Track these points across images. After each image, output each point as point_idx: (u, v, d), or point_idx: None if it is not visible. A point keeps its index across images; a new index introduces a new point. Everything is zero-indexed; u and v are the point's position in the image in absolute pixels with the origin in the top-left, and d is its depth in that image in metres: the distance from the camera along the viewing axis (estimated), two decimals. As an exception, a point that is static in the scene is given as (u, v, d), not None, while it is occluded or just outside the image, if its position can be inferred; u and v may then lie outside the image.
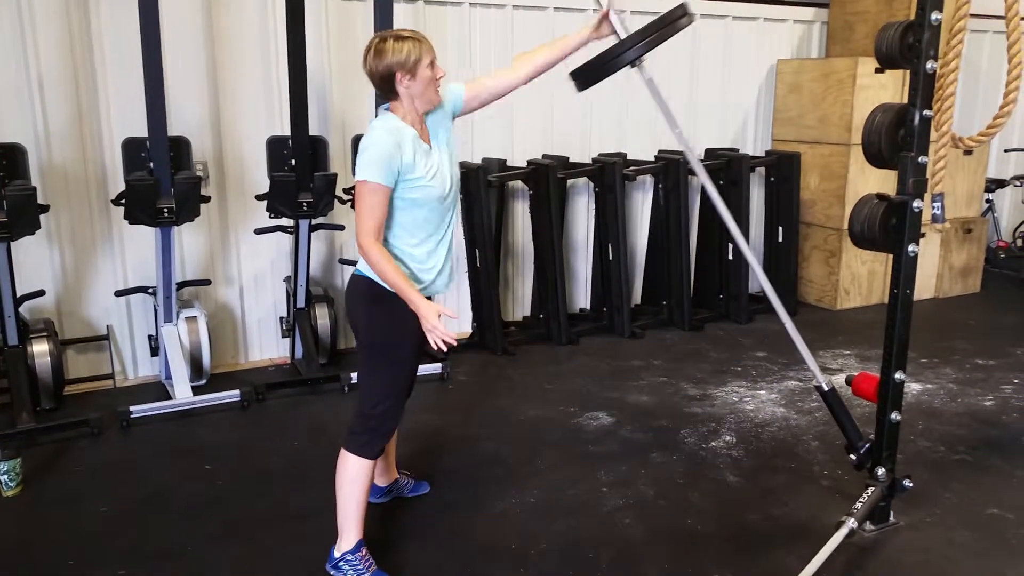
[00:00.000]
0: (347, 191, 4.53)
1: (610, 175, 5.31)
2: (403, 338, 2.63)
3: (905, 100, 2.82)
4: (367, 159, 2.44)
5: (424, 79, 2.51)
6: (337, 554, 2.73)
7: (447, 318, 2.61)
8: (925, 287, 6.40)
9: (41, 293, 4.16)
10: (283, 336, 4.95)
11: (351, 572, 2.70)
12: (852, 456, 3.11)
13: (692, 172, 5.70)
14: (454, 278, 2.93)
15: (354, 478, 2.70)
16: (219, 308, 4.81)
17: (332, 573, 2.74)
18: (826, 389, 3.14)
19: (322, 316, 4.74)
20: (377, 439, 2.70)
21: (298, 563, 2.86)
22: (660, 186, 5.62)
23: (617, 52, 2.58)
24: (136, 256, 4.50)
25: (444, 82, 2.63)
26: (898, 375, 2.99)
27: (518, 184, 5.42)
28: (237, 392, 4.24)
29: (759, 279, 3.16)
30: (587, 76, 2.67)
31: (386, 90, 2.53)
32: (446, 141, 2.67)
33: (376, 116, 2.60)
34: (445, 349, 2.51)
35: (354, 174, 2.50)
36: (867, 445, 3.08)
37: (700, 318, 5.73)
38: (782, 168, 5.95)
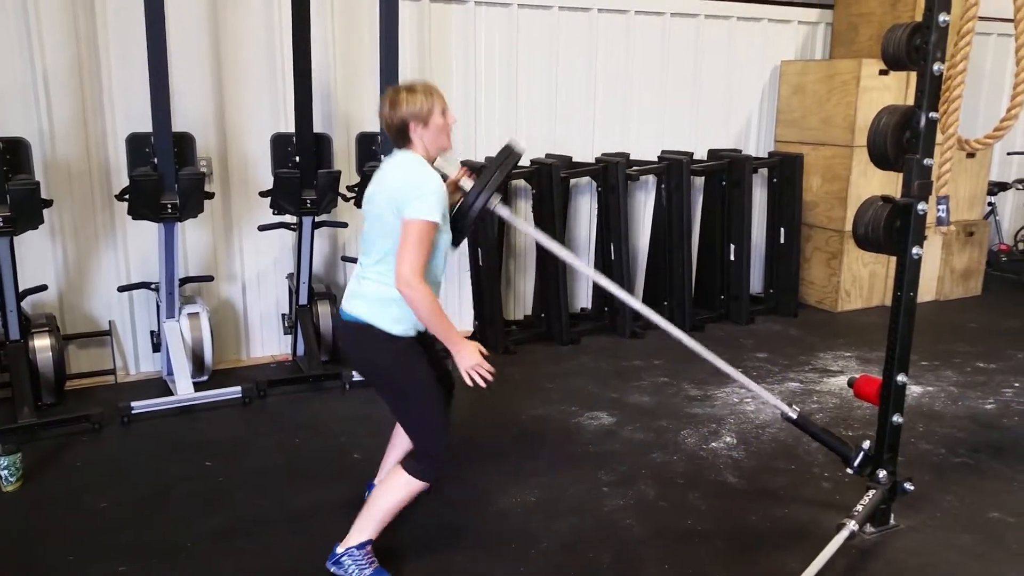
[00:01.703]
0: (350, 188, 4.53)
1: (613, 175, 5.31)
2: (417, 367, 2.66)
3: (909, 102, 2.81)
4: (428, 199, 2.49)
5: (436, 127, 2.64)
6: (341, 549, 2.72)
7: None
8: (926, 290, 6.40)
9: (43, 288, 4.16)
10: (285, 333, 4.95)
11: (353, 567, 2.70)
12: (849, 470, 3.10)
13: (695, 172, 5.71)
14: None
15: (400, 491, 2.69)
16: (221, 304, 4.81)
17: (333, 569, 2.73)
18: (795, 417, 3.14)
19: (324, 313, 4.74)
20: (437, 466, 2.70)
21: (299, 560, 2.85)
22: (663, 186, 5.62)
23: (467, 207, 2.74)
24: (139, 252, 4.50)
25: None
26: (900, 378, 2.99)
27: (521, 183, 5.41)
28: (239, 389, 4.24)
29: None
30: (456, 235, 2.79)
31: (400, 139, 2.65)
32: None
33: (393, 154, 2.69)
34: (484, 385, 2.59)
35: (405, 211, 2.50)
36: (862, 454, 3.07)
37: (701, 318, 5.73)
38: (785, 169, 5.95)
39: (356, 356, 2.74)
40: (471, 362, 2.58)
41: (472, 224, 2.77)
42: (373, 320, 2.61)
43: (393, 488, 2.69)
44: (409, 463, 2.69)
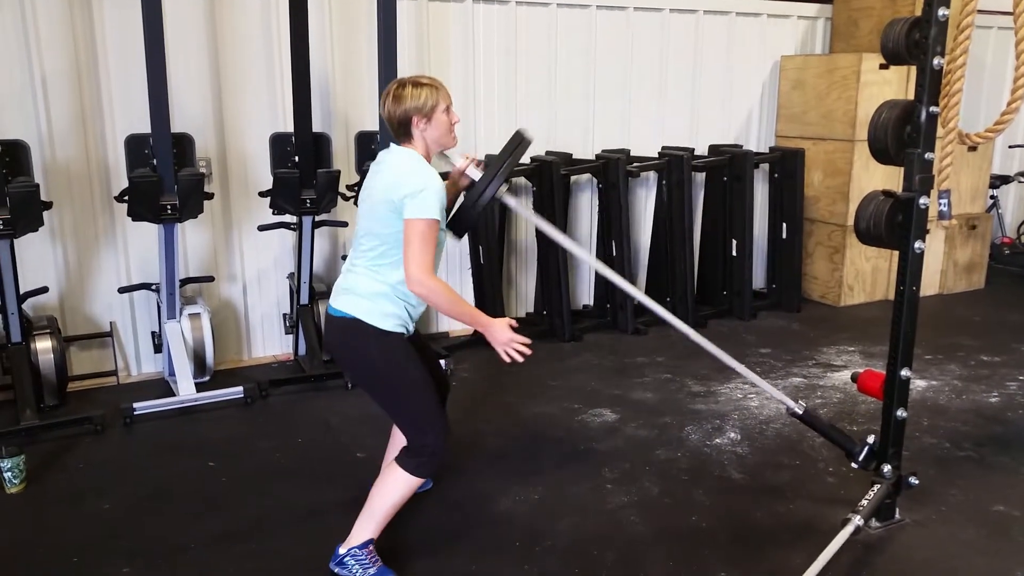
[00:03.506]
0: (350, 188, 4.53)
1: (614, 171, 5.30)
2: (408, 362, 2.65)
3: (909, 96, 2.80)
4: (428, 198, 2.49)
5: (441, 124, 2.62)
6: (343, 550, 2.71)
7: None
8: (929, 283, 6.38)
9: (44, 290, 4.16)
10: (286, 333, 4.95)
11: (357, 567, 2.69)
12: (853, 464, 3.09)
13: (696, 168, 5.70)
14: None
15: (397, 489, 2.68)
16: (222, 305, 4.80)
17: (336, 570, 2.72)
18: (800, 413, 3.13)
19: (325, 313, 4.73)
20: (434, 461, 2.69)
21: (302, 561, 2.85)
22: (664, 182, 5.61)
23: (475, 196, 2.73)
24: (139, 253, 4.49)
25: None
26: (904, 372, 2.98)
27: (522, 181, 5.41)
28: (240, 389, 4.23)
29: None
30: (458, 226, 2.81)
31: (402, 133, 2.62)
32: None
33: (389, 147, 2.67)
34: (521, 359, 2.59)
35: (404, 210, 2.50)
36: (866, 448, 3.06)
37: (704, 314, 5.72)
38: (786, 164, 5.93)
39: (346, 354, 2.71)
40: (505, 338, 2.59)
41: (480, 213, 2.74)
42: (364, 315, 2.59)
43: (391, 485, 2.68)
44: (405, 459, 2.66)
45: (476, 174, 2.77)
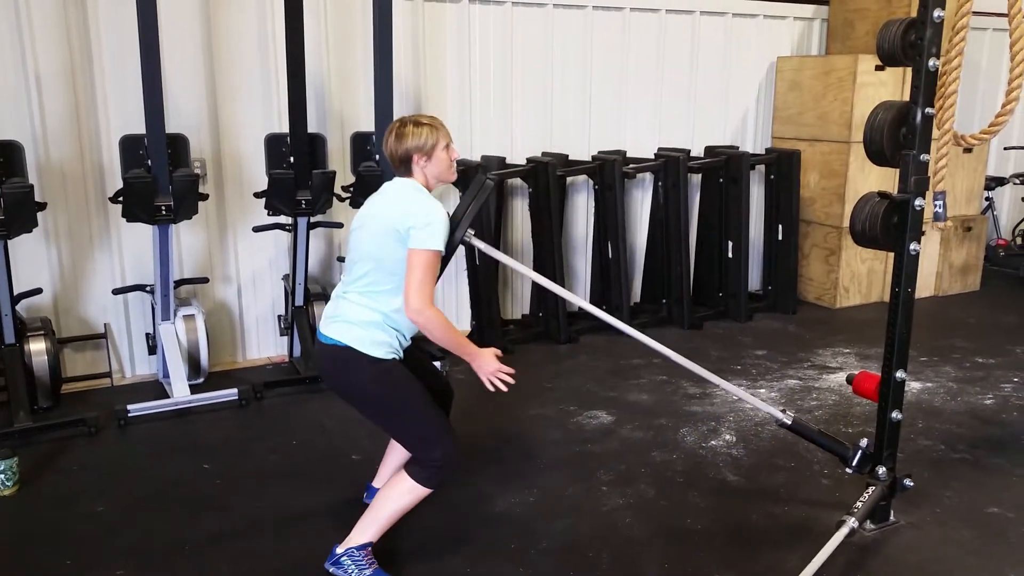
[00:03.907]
0: (345, 188, 4.52)
1: (610, 173, 5.30)
2: (408, 383, 2.68)
3: (905, 98, 2.80)
4: (436, 229, 2.58)
5: (440, 161, 2.71)
6: (341, 549, 2.71)
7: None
8: (925, 285, 6.39)
9: (38, 291, 4.14)
10: (281, 334, 4.93)
11: (352, 567, 2.69)
12: (848, 469, 3.09)
13: (692, 170, 5.71)
14: None
15: (403, 497, 2.69)
16: (217, 306, 4.79)
17: (332, 570, 2.72)
18: (788, 423, 3.13)
19: (320, 315, 4.72)
20: (445, 472, 2.69)
21: (297, 562, 2.84)
22: (660, 184, 5.61)
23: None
24: (134, 254, 4.48)
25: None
26: (899, 374, 2.98)
27: (517, 182, 5.41)
28: (235, 391, 4.22)
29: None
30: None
31: (403, 170, 2.72)
32: None
33: (393, 180, 2.77)
34: (505, 389, 2.69)
35: (411, 240, 2.57)
36: (859, 451, 3.06)
37: (700, 316, 5.72)
38: (782, 166, 5.94)
39: (339, 381, 2.72)
40: (491, 369, 2.69)
41: (448, 257, 2.82)
42: (355, 344, 2.63)
43: (398, 493, 2.69)
44: (414, 469, 2.67)
45: None
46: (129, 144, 3.94)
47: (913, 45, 2.73)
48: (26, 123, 4.11)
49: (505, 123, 5.37)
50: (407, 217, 2.59)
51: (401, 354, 2.74)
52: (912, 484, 3.07)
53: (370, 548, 2.72)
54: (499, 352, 2.73)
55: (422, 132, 2.67)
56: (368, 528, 2.71)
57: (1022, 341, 5.31)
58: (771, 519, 3.14)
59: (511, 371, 2.69)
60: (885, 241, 2.85)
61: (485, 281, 5.06)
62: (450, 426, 2.75)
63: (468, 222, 2.81)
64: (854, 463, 3.06)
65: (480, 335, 5.16)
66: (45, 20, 4.09)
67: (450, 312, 5.38)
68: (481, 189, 2.86)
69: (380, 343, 2.64)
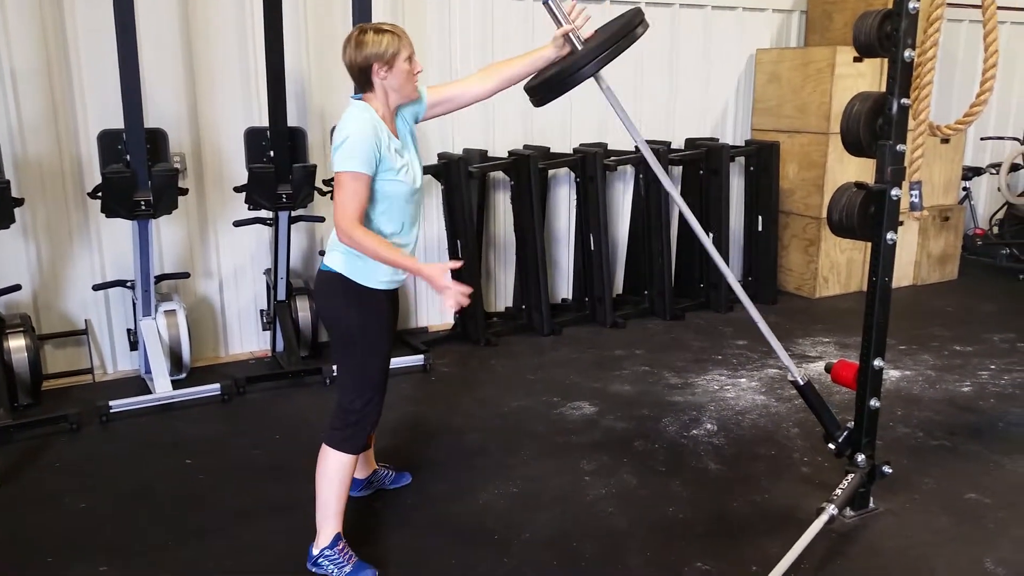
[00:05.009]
0: (327, 182, 4.51)
1: (591, 165, 5.31)
2: (379, 331, 2.66)
3: (883, 89, 2.83)
4: (348, 149, 2.43)
5: (401, 72, 2.54)
6: (315, 551, 2.72)
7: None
8: (903, 275, 6.45)
9: (17, 288, 4.11)
10: (264, 329, 4.92)
11: (332, 567, 2.69)
12: (831, 445, 3.13)
13: (673, 162, 5.73)
14: None
15: (335, 474, 2.70)
16: (198, 301, 4.77)
17: (314, 570, 2.73)
18: (801, 383, 3.16)
19: (303, 308, 4.72)
20: (359, 434, 2.70)
21: (281, 557, 2.84)
22: (641, 176, 5.63)
23: (576, 68, 2.67)
24: (113, 249, 4.45)
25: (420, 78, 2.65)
26: (877, 362, 3.01)
27: (499, 175, 5.41)
28: (217, 386, 4.21)
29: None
30: (545, 92, 2.75)
31: (362, 81, 2.55)
32: (412, 141, 2.71)
33: (349, 106, 2.60)
34: (463, 305, 2.50)
35: (333, 164, 2.49)
36: (845, 433, 3.10)
37: (681, 307, 5.75)
38: (761, 157, 5.98)
39: (323, 304, 2.71)
40: (445, 282, 2.46)
41: (571, 86, 2.66)
42: (345, 271, 2.59)
43: (324, 470, 2.70)
44: (330, 434, 2.68)
45: (577, 43, 2.72)
46: (107, 139, 3.92)
47: (889, 36, 2.75)
48: (2, 118, 4.07)
49: (487, 116, 5.36)
50: (334, 141, 2.50)
51: (392, 285, 2.67)
52: (891, 471, 3.11)
53: (342, 541, 2.72)
54: (453, 265, 2.49)
55: (383, 39, 2.48)
56: (324, 523, 2.72)
57: (999, 329, 5.38)
58: (752, 507, 3.18)
59: (468, 289, 2.51)
60: (862, 231, 2.88)
61: (468, 273, 5.06)
62: (384, 392, 2.73)
63: (607, 60, 2.62)
64: (839, 441, 3.09)
65: (463, 327, 5.17)
66: (20, 14, 4.04)
67: (432, 304, 5.39)
68: (639, 25, 2.67)
69: (367, 270, 2.58)
